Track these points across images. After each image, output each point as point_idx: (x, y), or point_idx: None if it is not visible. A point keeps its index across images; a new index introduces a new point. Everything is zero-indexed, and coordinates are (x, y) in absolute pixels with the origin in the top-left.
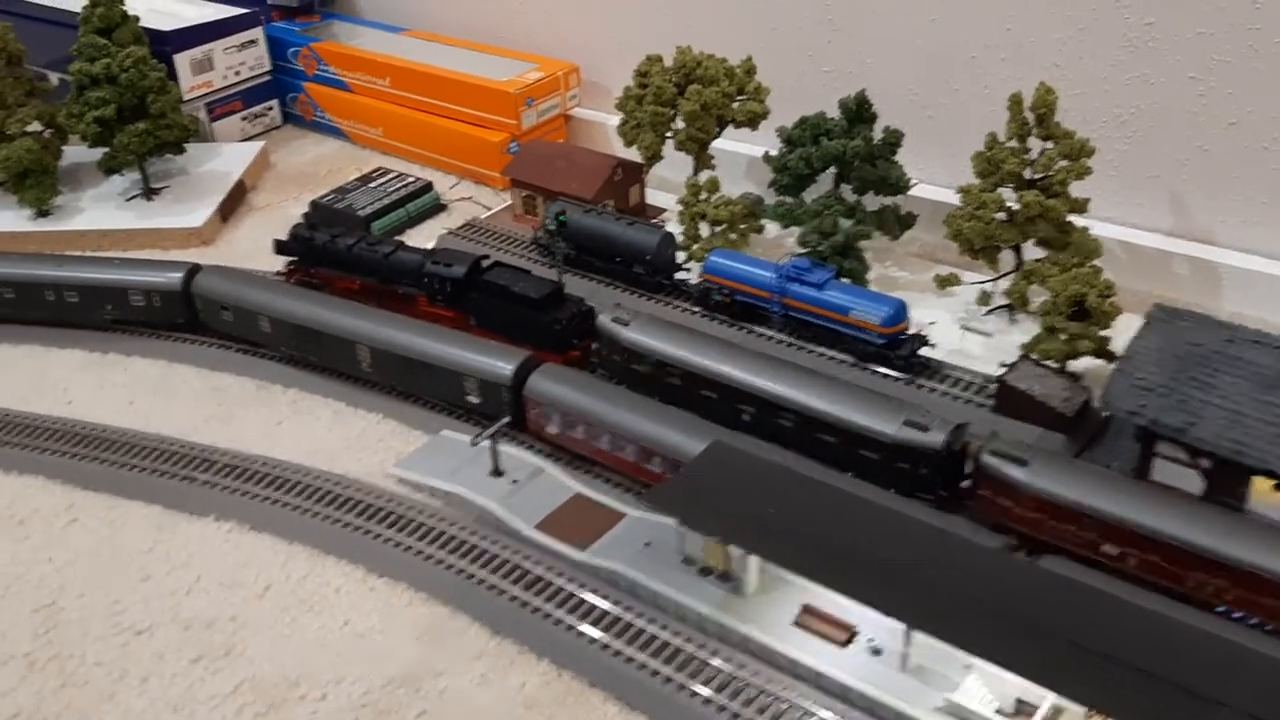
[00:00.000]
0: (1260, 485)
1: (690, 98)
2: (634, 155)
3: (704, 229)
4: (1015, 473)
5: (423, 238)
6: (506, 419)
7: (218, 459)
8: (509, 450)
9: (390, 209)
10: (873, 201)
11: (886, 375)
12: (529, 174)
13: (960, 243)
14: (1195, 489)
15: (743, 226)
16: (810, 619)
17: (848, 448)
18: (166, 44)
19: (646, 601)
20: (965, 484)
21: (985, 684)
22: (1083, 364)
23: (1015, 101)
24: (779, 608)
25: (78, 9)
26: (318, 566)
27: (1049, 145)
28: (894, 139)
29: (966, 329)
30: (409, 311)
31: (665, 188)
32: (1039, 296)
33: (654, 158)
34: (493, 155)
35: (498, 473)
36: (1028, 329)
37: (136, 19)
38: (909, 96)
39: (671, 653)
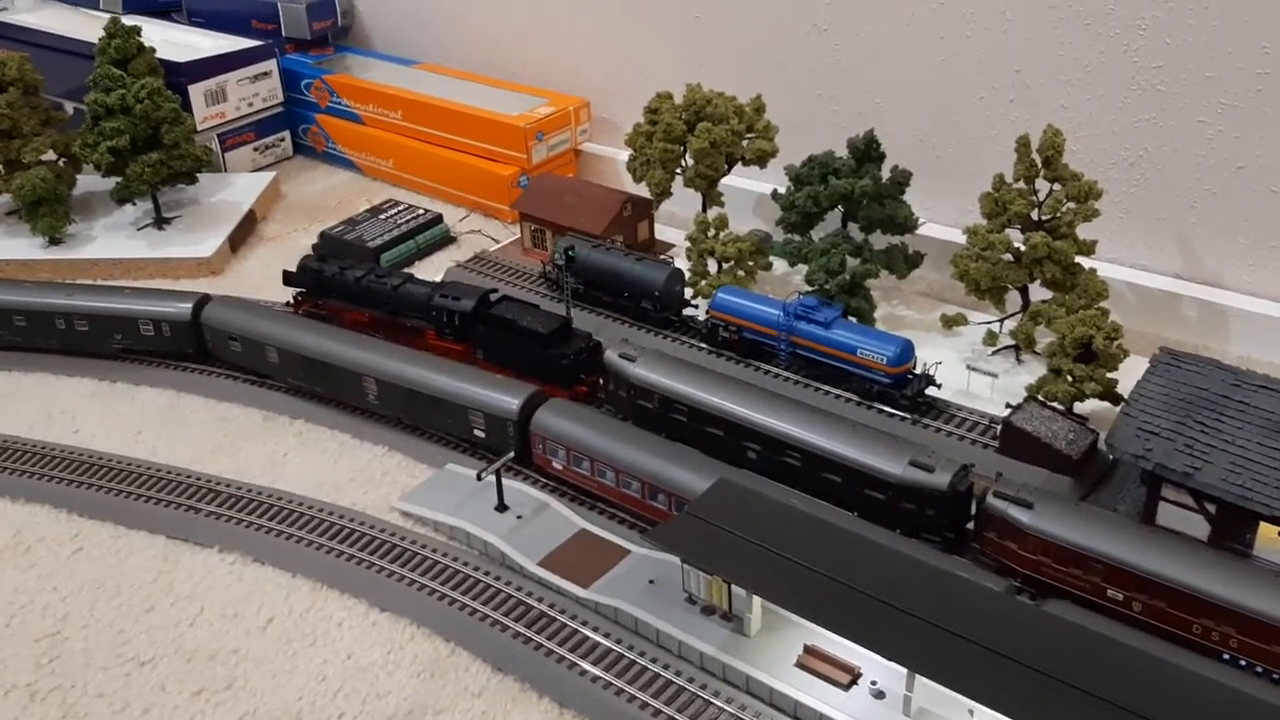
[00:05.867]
0: (1267, 531)
1: (700, 135)
2: (643, 191)
3: (712, 265)
4: (1020, 515)
5: (431, 270)
6: (512, 454)
7: (223, 490)
8: (514, 485)
9: (400, 241)
10: (880, 240)
11: (892, 414)
12: (538, 208)
13: (967, 283)
14: (1202, 534)
15: (750, 264)
16: (813, 660)
17: (853, 487)
18: (181, 75)
19: (649, 640)
20: (970, 525)
21: None
22: (1089, 406)
23: (1023, 143)
24: (782, 648)
25: (94, 40)
26: (320, 600)
27: (1056, 187)
28: (902, 178)
29: (972, 369)
30: (417, 344)
31: (674, 224)
32: (1045, 338)
33: (663, 194)
34: (502, 189)
35: (503, 508)
36: (1034, 370)
37: (152, 50)
38: (917, 137)
39: (674, 692)
